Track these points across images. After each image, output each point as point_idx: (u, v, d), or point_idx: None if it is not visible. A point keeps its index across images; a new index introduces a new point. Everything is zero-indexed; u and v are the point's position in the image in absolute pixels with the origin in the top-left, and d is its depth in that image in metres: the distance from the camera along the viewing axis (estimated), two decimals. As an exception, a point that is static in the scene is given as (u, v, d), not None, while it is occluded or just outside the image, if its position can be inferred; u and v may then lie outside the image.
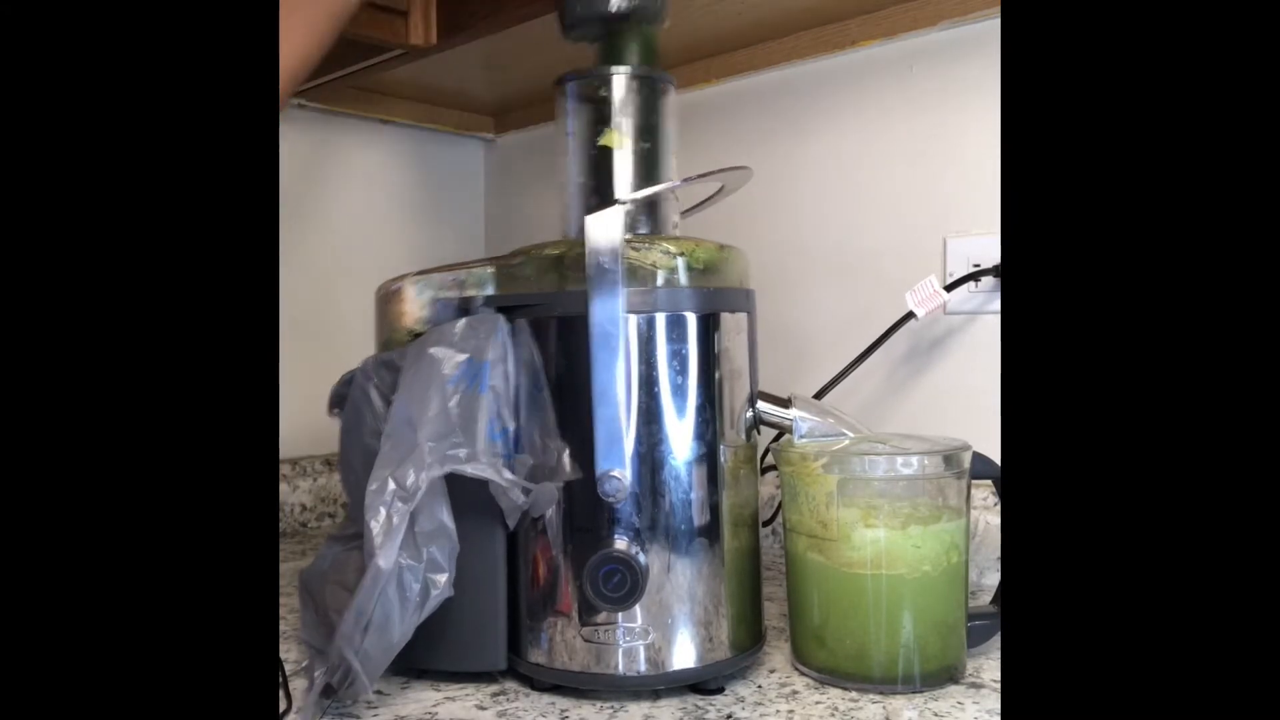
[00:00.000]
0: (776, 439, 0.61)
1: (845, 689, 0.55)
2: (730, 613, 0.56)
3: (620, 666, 0.54)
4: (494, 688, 0.56)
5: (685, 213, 0.66)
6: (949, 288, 0.76)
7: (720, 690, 0.55)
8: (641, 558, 0.53)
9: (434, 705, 0.54)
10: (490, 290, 0.59)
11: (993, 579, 0.75)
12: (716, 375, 0.56)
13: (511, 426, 0.56)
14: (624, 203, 0.56)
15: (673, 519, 0.54)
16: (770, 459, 0.62)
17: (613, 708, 0.53)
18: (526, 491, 0.53)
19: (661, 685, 0.54)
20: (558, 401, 0.55)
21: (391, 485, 0.51)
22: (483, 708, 0.53)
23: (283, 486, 1.00)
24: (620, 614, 0.53)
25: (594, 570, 0.53)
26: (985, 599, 0.70)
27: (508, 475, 0.52)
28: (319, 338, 1.04)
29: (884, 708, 0.53)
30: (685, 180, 0.57)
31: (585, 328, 0.53)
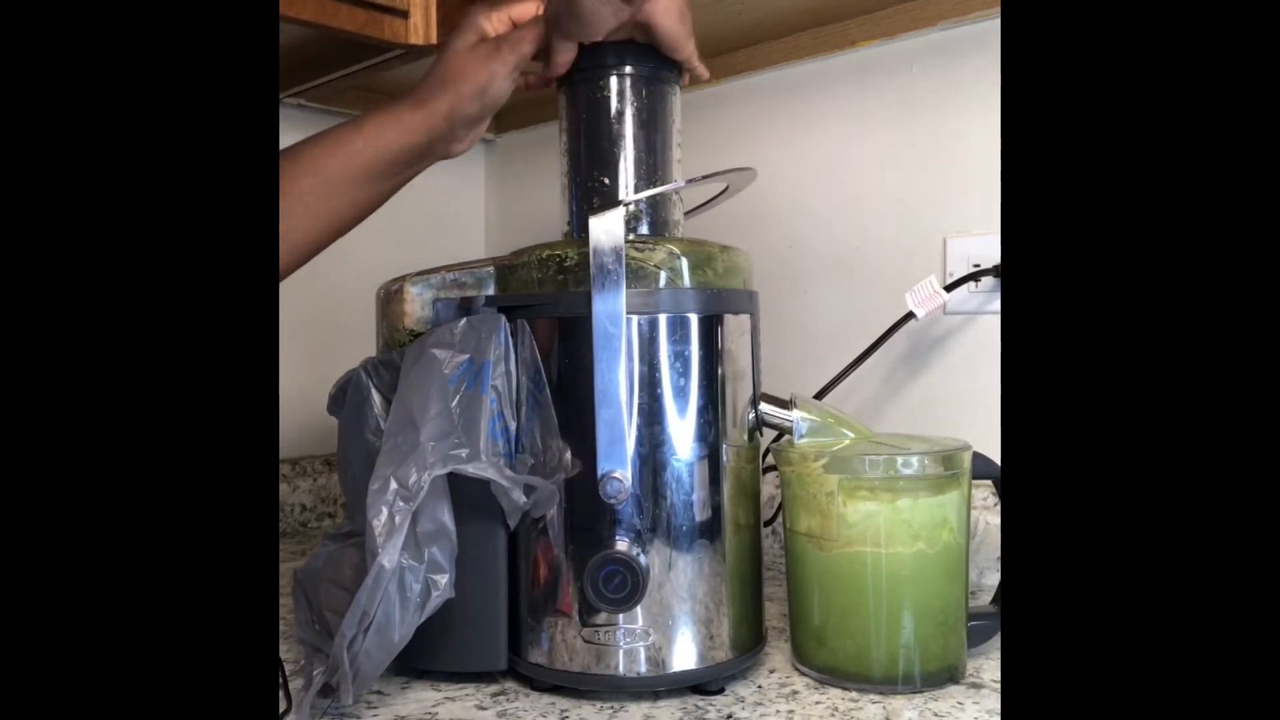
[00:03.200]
0: (777, 439, 0.61)
1: (845, 689, 0.55)
2: (731, 614, 0.56)
3: (620, 667, 0.54)
4: (494, 688, 0.56)
5: (688, 213, 0.66)
6: (949, 288, 0.76)
7: (720, 691, 0.55)
8: (642, 559, 0.53)
9: (434, 705, 0.54)
10: (491, 290, 0.59)
11: (993, 579, 0.75)
12: (719, 377, 0.56)
13: (513, 426, 0.56)
14: (626, 203, 0.56)
15: (674, 520, 0.54)
16: (771, 459, 0.62)
17: (613, 708, 0.53)
18: (528, 491, 0.53)
19: (662, 686, 0.54)
20: (559, 402, 0.55)
21: (393, 485, 0.50)
22: (483, 708, 0.53)
23: (283, 486, 1.00)
24: (621, 615, 0.53)
25: (595, 571, 0.53)
26: (985, 599, 0.70)
27: (509, 475, 0.52)
28: (319, 337, 1.04)
29: (884, 708, 0.53)
30: (690, 181, 0.57)
31: (587, 328, 0.53)
